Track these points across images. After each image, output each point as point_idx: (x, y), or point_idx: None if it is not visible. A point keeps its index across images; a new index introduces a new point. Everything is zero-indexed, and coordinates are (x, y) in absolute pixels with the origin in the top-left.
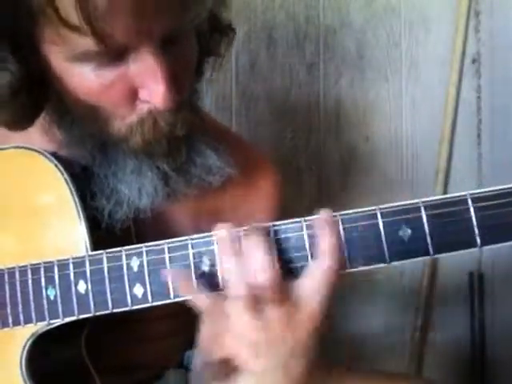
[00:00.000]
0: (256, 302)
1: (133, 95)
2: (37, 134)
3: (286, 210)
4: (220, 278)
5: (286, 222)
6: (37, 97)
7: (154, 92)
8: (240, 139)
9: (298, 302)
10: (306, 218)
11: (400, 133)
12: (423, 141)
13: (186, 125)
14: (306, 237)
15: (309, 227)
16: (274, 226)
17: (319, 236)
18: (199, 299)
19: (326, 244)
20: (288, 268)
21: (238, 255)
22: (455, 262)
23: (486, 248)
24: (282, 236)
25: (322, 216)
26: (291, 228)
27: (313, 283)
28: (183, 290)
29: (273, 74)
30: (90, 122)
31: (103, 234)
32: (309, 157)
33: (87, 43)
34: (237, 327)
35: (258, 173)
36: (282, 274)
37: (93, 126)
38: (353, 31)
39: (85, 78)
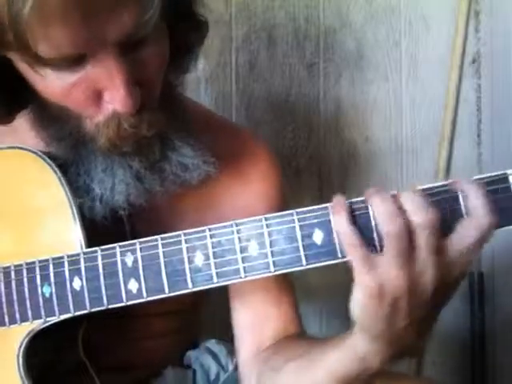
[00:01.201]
0: (409, 251)
1: (97, 96)
2: (26, 134)
3: (286, 201)
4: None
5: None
6: (15, 93)
7: (115, 97)
8: (236, 128)
9: (450, 263)
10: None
11: (400, 133)
12: (423, 141)
13: (153, 125)
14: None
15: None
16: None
17: (469, 195)
18: (354, 247)
19: (478, 201)
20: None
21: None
22: None
23: (486, 247)
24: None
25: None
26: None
27: (463, 245)
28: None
29: (273, 74)
30: (64, 121)
31: (98, 231)
32: (309, 157)
33: (40, 51)
34: (379, 279)
35: (253, 157)
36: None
37: (66, 125)
38: (353, 31)
39: (47, 81)
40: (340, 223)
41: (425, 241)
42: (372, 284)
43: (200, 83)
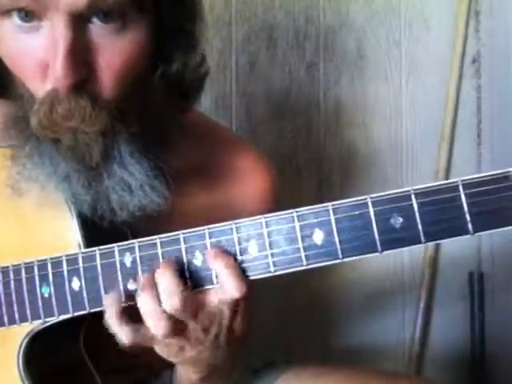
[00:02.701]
0: (177, 326)
1: (42, 69)
2: None
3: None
4: (214, 272)
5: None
6: None
7: (52, 64)
8: (234, 138)
9: (209, 311)
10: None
11: (400, 133)
12: (423, 141)
13: (90, 122)
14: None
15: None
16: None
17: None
18: (123, 332)
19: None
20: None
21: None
22: (455, 261)
23: (486, 247)
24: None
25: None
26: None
27: (220, 301)
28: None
29: (273, 74)
30: (17, 95)
31: (97, 231)
32: (309, 157)
33: None
34: (161, 344)
35: (252, 171)
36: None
37: (16, 97)
38: (353, 31)
39: (5, 37)
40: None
41: (183, 317)
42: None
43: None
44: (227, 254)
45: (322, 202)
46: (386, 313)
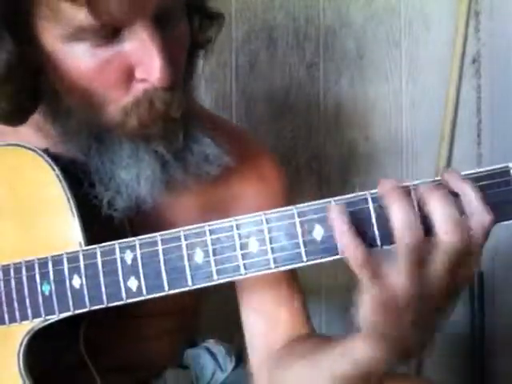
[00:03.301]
0: (423, 260)
1: (128, 75)
2: (30, 132)
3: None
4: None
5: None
6: (31, 85)
7: (151, 67)
8: (235, 127)
9: (457, 272)
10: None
11: (400, 132)
12: (423, 141)
13: (181, 106)
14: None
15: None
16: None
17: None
18: (356, 252)
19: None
20: None
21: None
22: None
23: (486, 247)
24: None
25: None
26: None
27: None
28: (343, 237)
29: (273, 74)
30: (85, 110)
31: (99, 228)
32: (309, 157)
33: (81, 18)
34: (388, 288)
35: (258, 161)
36: None
37: (87, 114)
38: (353, 31)
39: (79, 59)
40: (346, 241)
41: (442, 260)
42: (382, 294)
43: (200, 83)
44: None
45: None
46: None
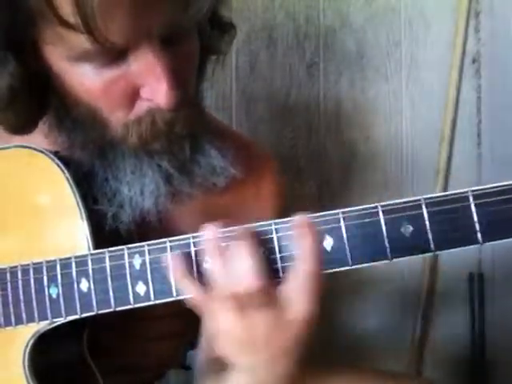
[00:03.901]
0: (241, 303)
1: (134, 94)
2: (39, 138)
3: (286, 210)
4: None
5: (273, 221)
6: (38, 99)
7: (156, 90)
8: (242, 137)
9: (283, 304)
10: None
11: (400, 133)
12: (423, 141)
13: (187, 124)
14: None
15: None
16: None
17: (298, 239)
18: (191, 291)
19: (305, 247)
20: (275, 268)
21: (224, 257)
22: (455, 262)
23: (486, 248)
24: (269, 236)
25: (299, 219)
26: (279, 228)
27: (297, 286)
28: (177, 276)
29: (273, 74)
30: (90, 125)
31: (105, 236)
32: (309, 157)
33: (85, 43)
34: (222, 325)
35: (261, 171)
36: (268, 275)
37: (92, 129)
38: (353, 31)
39: (85, 78)
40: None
41: (253, 295)
42: (217, 330)
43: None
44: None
45: (323, 202)
46: (386, 313)
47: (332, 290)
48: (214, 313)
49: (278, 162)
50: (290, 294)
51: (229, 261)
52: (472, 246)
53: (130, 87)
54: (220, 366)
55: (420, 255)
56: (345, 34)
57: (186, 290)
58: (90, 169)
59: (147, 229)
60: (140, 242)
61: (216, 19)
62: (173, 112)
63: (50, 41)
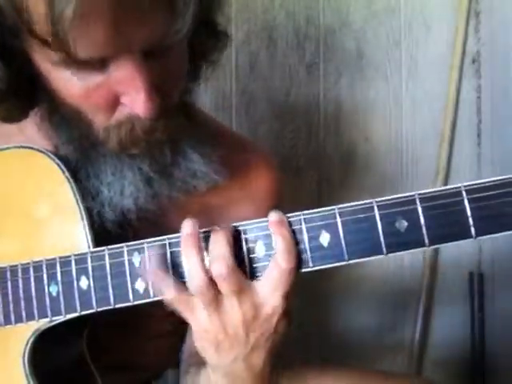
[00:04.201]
0: (216, 299)
1: (115, 100)
2: (34, 133)
3: (285, 211)
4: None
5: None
6: (28, 96)
7: (135, 100)
8: (241, 138)
9: (259, 300)
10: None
11: (400, 133)
12: (423, 141)
13: (167, 131)
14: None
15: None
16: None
17: (273, 237)
18: (168, 291)
19: (280, 245)
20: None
21: (200, 255)
22: (455, 262)
23: (486, 248)
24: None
25: (274, 217)
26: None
27: (270, 284)
28: (153, 276)
29: (273, 74)
30: (75, 123)
31: (104, 235)
32: (309, 157)
33: (61, 55)
34: (200, 322)
35: (258, 170)
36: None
37: (77, 128)
38: (353, 31)
39: (67, 82)
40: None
41: (225, 288)
42: (197, 331)
43: (200, 83)
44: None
45: (322, 202)
46: (386, 313)
47: (332, 290)
48: (192, 311)
49: (276, 160)
50: (265, 290)
51: (204, 259)
52: (472, 246)
53: (111, 94)
54: (200, 362)
55: (415, 250)
56: (345, 34)
57: (163, 291)
58: (75, 165)
59: (141, 227)
60: (126, 241)
61: (210, 27)
62: (152, 121)
63: (32, 46)
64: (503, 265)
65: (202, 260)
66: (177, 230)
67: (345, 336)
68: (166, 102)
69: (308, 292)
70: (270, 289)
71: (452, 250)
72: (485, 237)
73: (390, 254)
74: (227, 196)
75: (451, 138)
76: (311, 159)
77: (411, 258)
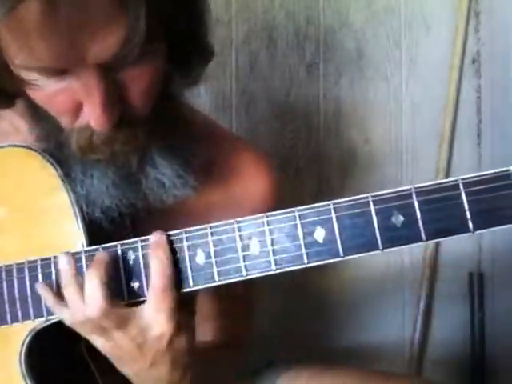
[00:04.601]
0: (99, 326)
1: (77, 106)
2: (22, 123)
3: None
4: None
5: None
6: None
7: (91, 113)
8: (238, 140)
9: (141, 324)
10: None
11: (400, 133)
12: (423, 141)
13: (128, 144)
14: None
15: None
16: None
17: (150, 258)
18: (61, 316)
19: (153, 266)
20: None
21: (77, 284)
22: (455, 262)
23: (486, 248)
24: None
25: (153, 239)
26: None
27: (151, 306)
28: (49, 303)
29: (273, 74)
30: (48, 121)
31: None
32: (309, 157)
33: (21, 59)
34: (96, 344)
35: (253, 170)
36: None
37: (50, 125)
38: (353, 31)
39: (32, 84)
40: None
41: (106, 325)
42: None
43: (200, 83)
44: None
45: (322, 202)
46: (386, 313)
47: (331, 290)
48: (85, 334)
49: (274, 161)
50: (149, 313)
51: (81, 287)
52: (472, 246)
53: (73, 101)
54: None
55: (412, 245)
56: (345, 34)
57: (58, 315)
58: (53, 163)
59: (142, 226)
60: (114, 240)
61: (194, 43)
62: (110, 132)
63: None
64: (503, 265)
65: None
66: (169, 228)
67: (344, 336)
68: (129, 113)
69: (307, 292)
70: (153, 311)
71: (452, 250)
72: (482, 231)
73: (386, 250)
74: (222, 194)
75: (451, 138)
76: (311, 159)
77: (411, 258)
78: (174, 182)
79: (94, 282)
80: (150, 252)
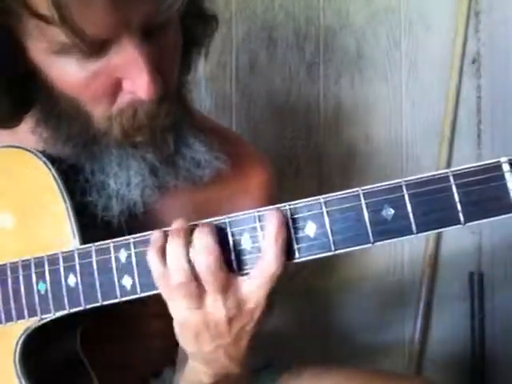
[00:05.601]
0: (199, 295)
1: (116, 86)
2: (25, 134)
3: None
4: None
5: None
6: (24, 93)
7: (138, 83)
8: (233, 134)
9: (240, 298)
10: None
11: (400, 133)
12: (423, 141)
13: (169, 117)
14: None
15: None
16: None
17: (265, 232)
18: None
19: (268, 241)
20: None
21: (186, 243)
22: (455, 262)
23: (486, 248)
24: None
25: (273, 209)
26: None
27: (256, 282)
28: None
29: (273, 74)
30: (74, 119)
31: (98, 228)
32: (309, 157)
33: (61, 35)
34: (179, 312)
35: (249, 165)
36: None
37: (76, 123)
38: (353, 31)
39: (66, 71)
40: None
41: (210, 284)
42: (176, 320)
43: (200, 83)
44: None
45: None
46: (385, 312)
47: (331, 290)
48: (174, 301)
49: (274, 162)
50: (250, 287)
51: (189, 251)
52: (472, 246)
53: (112, 80)
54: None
55: (403, 238)
56: (345, 34)
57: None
58: (76, 162)
59: (136, 221)
60: (129, 234)
61: (198, 11)
62: (155, 105)
63: (30, 34)
64: (503, 265)
65: (187, 253)
66: (167, 224)
67: (344, 336)
68: (166, 85)
69: (308, 291)
70: (255, 287)
71: (452, 250)
72: (474, 222)
73: (377, 243)
74: (220, 190)
75: (451, 138)
76: (311, 159)
77: (411, 257)
78: (208, 158)
79: (207, 236)
80: (272, 236)
